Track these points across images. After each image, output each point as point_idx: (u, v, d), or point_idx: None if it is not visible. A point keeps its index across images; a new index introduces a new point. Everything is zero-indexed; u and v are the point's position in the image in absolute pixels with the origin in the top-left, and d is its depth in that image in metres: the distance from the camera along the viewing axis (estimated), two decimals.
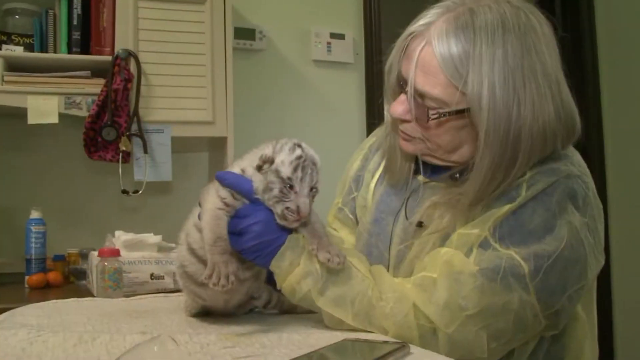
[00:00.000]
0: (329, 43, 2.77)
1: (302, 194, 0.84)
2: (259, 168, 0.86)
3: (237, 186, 0.88)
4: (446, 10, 0.95)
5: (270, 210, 0.87)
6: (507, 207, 0.91)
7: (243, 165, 0.91)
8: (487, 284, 0.87)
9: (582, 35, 2.96)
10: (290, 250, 0.88)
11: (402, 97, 0.98)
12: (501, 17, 0.91)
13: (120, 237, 1.75)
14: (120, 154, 2.02)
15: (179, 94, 2.11)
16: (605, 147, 2.90)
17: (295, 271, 0.89)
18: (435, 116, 0.94)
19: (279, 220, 0.86)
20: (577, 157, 1.00)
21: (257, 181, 0.87)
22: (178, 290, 1.56)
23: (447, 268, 0.90)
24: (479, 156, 0.92)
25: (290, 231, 0.89)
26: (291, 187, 0.84)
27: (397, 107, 0.99)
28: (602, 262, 0.97)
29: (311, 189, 0.86)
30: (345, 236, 1.21)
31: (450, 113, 0.93)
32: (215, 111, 2.13)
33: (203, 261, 0.89)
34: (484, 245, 0.90)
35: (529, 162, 0.92)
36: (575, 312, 0.98)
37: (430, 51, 0.92)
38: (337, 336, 0.84)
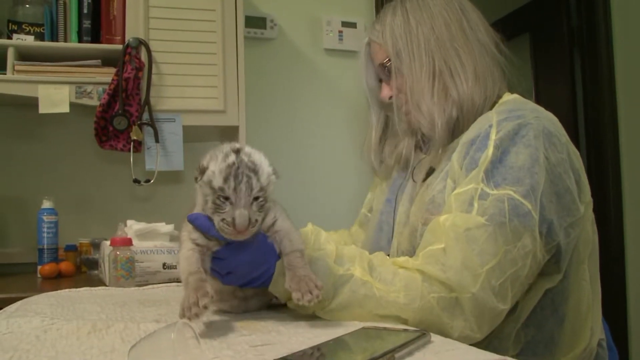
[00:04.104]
0: (340, 32, 2.74)
1: (238, 205, 0.77)
2: (196, 180, 0.80)
3: (207, 230, 0.83)
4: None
5: (251, 249, 0.83)
6: (490, 152, 0.96)
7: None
8: (498, 230, 0.89)
9: (597, 26, 2.88)
10: (283, 276, 0.85)
11: (382, 84, 1.22)
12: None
13: (132, 227, 1.74)
14: (132, 143, 2.00)
15: (190, 83, 2.09)
16: (620, 141, 2.81)
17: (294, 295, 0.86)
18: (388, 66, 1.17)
19: (219, 232, 0.80)
20: (545, 110, 1.04)
21: (199, 195, 0.81)
22: None
23: (454, 230, 0.91)
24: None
25: (276, 257, 0.85)
26: (226, 197, 0.77)
27: (384, 92, 1.20)
28: (590, 203, 1.03)
29: (256, 199, 0.78)
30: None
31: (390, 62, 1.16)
32: (226, 100, 2.11)
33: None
34: (482, 196, 0.93)
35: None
36: (580, 281, 1.01)
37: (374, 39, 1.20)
38: (355, 324, 0.82)
